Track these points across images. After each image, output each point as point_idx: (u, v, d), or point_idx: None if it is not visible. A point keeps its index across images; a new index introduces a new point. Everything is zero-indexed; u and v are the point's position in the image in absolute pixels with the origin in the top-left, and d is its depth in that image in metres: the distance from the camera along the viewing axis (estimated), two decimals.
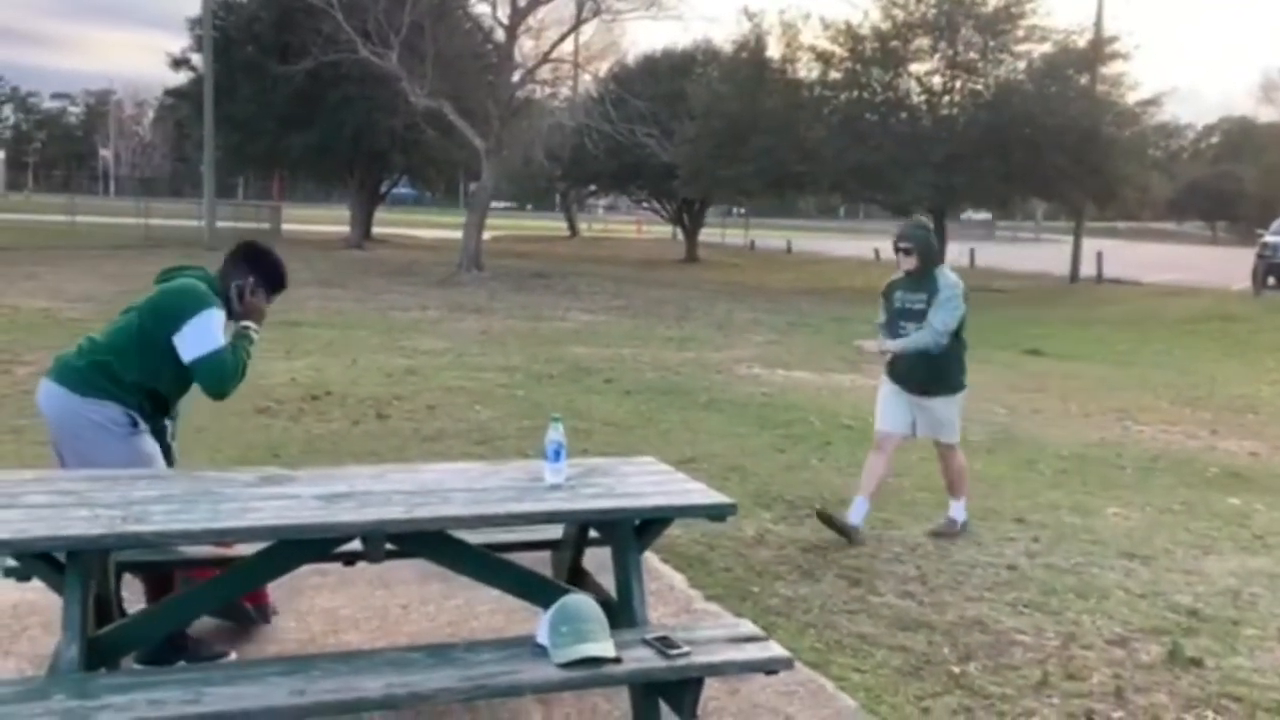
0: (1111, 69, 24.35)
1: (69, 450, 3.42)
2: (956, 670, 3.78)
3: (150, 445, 3.45)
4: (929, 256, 5.24)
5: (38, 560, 2.75)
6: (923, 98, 24.78)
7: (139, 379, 3.39)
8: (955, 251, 28.36)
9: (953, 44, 23.74)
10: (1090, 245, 29.96)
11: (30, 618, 3.82)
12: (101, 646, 2.85)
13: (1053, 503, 6.12)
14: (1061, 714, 3.50)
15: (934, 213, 25.27)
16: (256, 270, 3.58)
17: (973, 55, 23.98)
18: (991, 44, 23.80)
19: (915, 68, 24.56)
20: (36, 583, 3.13)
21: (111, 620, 3.12)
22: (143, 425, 3.44)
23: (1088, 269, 28.63)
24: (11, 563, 3.04)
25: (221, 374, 3.39)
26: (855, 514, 5.20)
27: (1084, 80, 23.95)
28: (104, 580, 3.13)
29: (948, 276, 5.22)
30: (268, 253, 3.67)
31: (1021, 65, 24.08)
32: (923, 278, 5.20)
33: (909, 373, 5.31)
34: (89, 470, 3.20)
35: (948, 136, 23.00)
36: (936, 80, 24.55)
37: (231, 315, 3.54)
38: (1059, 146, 22.00)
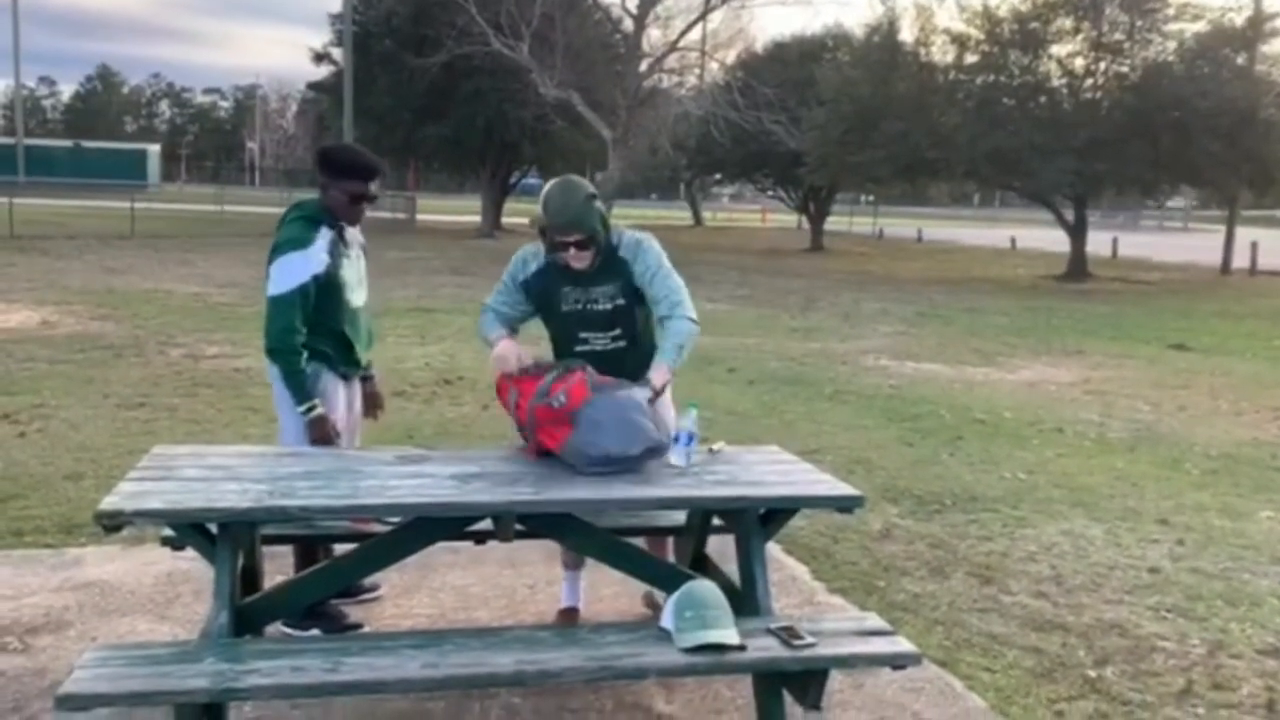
0: (1273, 47, 23.04)
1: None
2: (1093, 674, 3.65)
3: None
4: (603, 237, 3.45)
5: (191, 530, 2.90)
6: (1064, 81, 23.85)
7: (315, 327, 3.57)
8: (1098, 241, 27.27)
9: (1097, 24, 22.76)
10: (1244, 235, 28.40)
11: (183, 585, 4.05)
12: (248, 614, 2.99)
13: (1199, 504, 5.83)
14: None
15: (1076, 200, 24.38)
16: (326, 172, 3.63)
17: (1118, 36, 22.95)
18: (1139, 24, 22.73)
19: (1056, 50, 23.67)
20: (188, 552, 3.31)
21: (257, 589, 3.28)
22: (331, 390, 3.62)
23: (1241, 260, 27.17)
24: (168, 532, 3.23)
25: (279, 316, 3.47)
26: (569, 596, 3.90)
27: (1241, 60, 22.65)
28: (251, 551, 3.29)
29: (628, 236, 3.53)
30: (329, 150, 3.73)
31: (1171, 45, 22.91)
32: (603, 265, 3.49)
33: (617, 372, 3.38)
34: (238, 447, 3.36)
35: (1090, 121, 22.07)
36: (1079, 62, 23.60)
37: (336, 221, 3.63)
38: (1212, 130, 20.86)
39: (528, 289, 3.57)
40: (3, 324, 10.44)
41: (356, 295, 3.72)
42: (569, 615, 3.83)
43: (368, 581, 3.97)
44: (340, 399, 3.70)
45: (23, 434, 6.18)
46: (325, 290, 3.55)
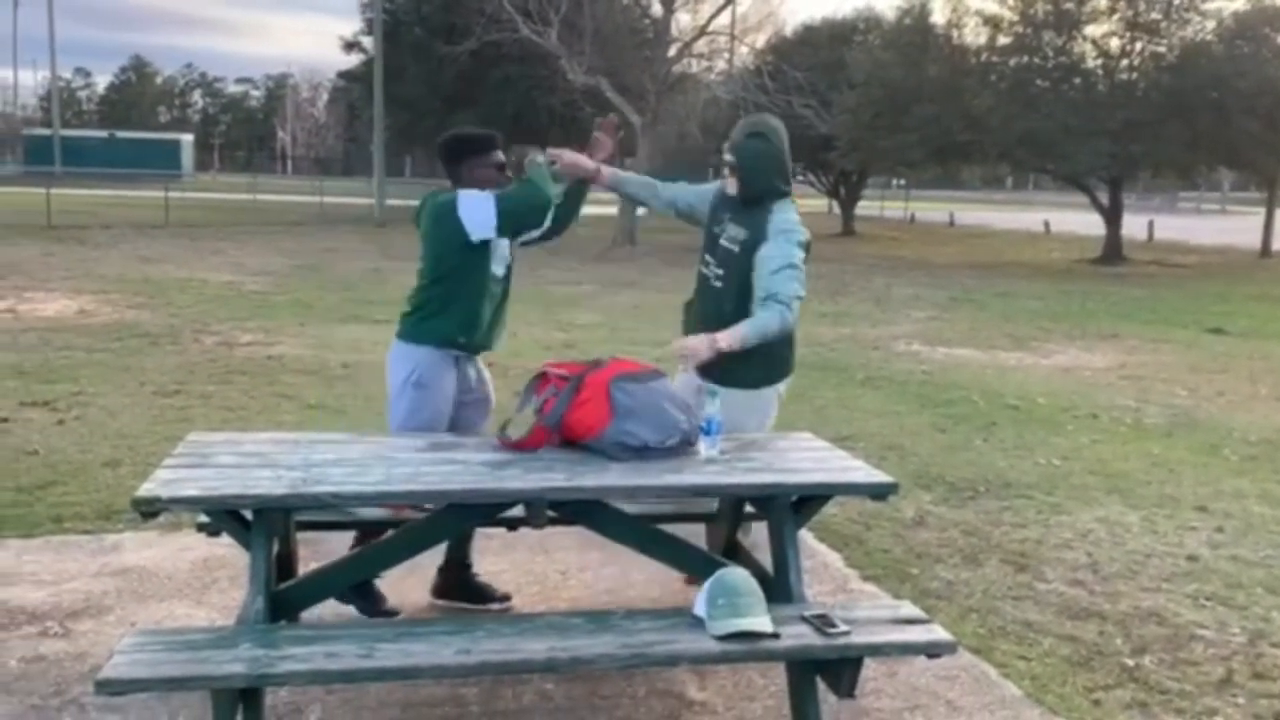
0: None
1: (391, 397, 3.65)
2: (1130, 663, 3.61)
3: (429, 407, 3.59)
4: (760, 181, 3.68)
5: (227, 516, 2.92)
6: (1099, 62, 23.52)
7: (448, 298, 3.57)
8: (1133, 224, 26.91)
9: (1133, 3, 22.39)
10: None
11: (219, 571, 4.09)
12: (283, 600, 3.01)
13: (1239, 491, 5.75)
14: (1247, 714, 3.29)
15: (1111, 183, 24.05)
16: (459, 155, 3.65)
17: (1155, 15, 22.58)
18: (1177, 2, 22.35)
19: (1091, 30, 23.35)
20: (224, 538, 3.34)
21: (292, 576, 3.30)
22: (441, 373, 3.60)
23: None
24: (204, 518, 3.26)
25: (521, 202, 3.47)
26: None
27: None
28: (285, 538, 3.31)
29: (787, 218, 3.66)
30: (462, 135, 3.74)
31: (1210, 24, 22.54)
32: (752, 207, 3.70)
33: (714, 306, 3.79)
34: (272, 433, 3.38)
35: (1126, 102, 21.75)
36: (1114, 43, 23.26)
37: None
38: (1251, 111, 20.51)
39: (709, 197, 3.91)
40: (41, 313, 10.58)
41: (499, 267, 3.70)
42: None
43: (500, 592, 3.93)
44: (449, 382, 3.66)
45: (61, 421, 6.27)
46: (475, 252, 3.52)
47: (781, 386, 3.83)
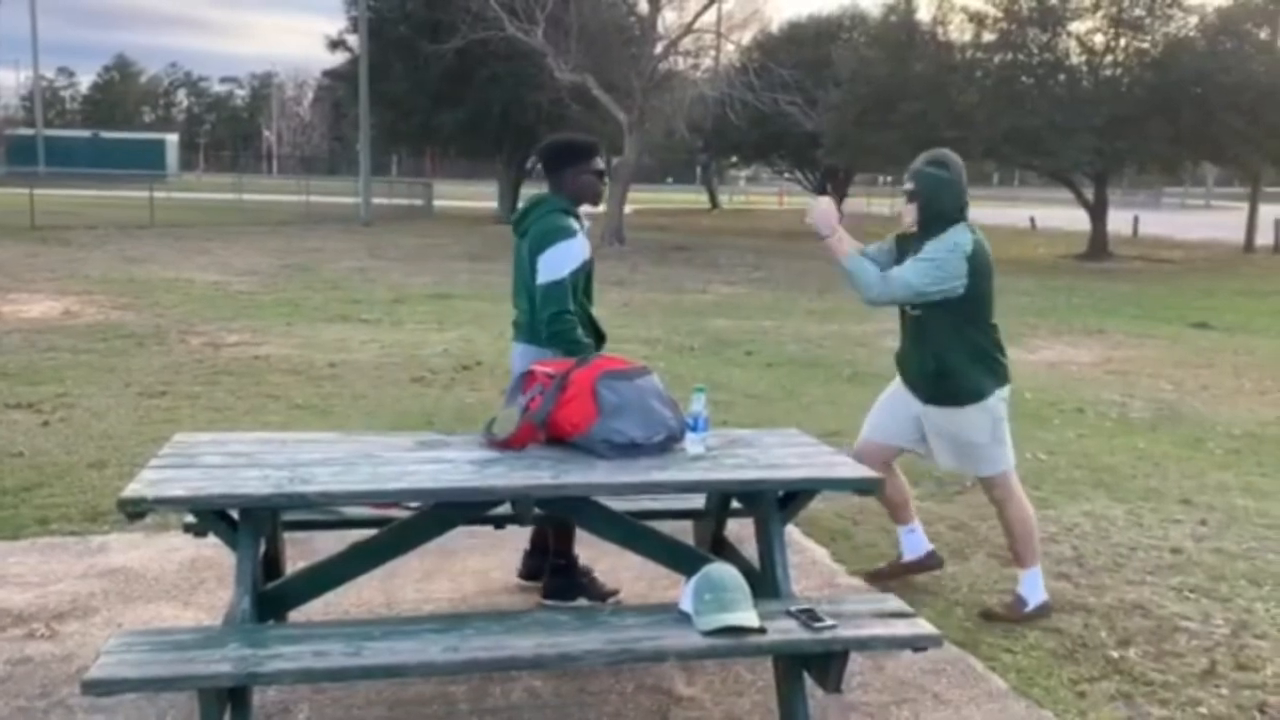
0: None
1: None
2: (1115, 655, 3.63)
3: None
4: (936, 206, 3.77)
5: (214, 517, 2.92)
6: (1083, 58, 23.63)
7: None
8: (1119, 220, 27.04)
9: (1117, 0, 22.51)
10: (1267, 212, 28.11)
11: (206, 571, 4.08)
12: (270, 600, 3.01)
13: (1223, 484, 5.79)
14: (1230, 705, 3.32)
15: (1096, 179, 24.16)
16: (562, 162, 3.74)
17: (1139, 11, 22.71)
18: None
19: (1075, 27, 23.47)
20: (211, 539, 3.33)
21: (279, 576, 3.30)
22: None
23: (1264, 237, 26.90)
24: (190, 519, 3.25)
25: (556, 301, 3.56)
26: (911, 547, 4.25)
27: (1264, 34, 22.40)
28: (272, 538, 3.31)
29: (952, 238, 3.73)
30: (569, 141, 3.83)
31: (1193, 20, 22.69)
32: (927, 238, 3.78)
33: (904, 366, 4.04)
34: (259, 433, 3.38)
35: (1110, 98, 21.86)
36: (1098, 39, 23.38)
37: (576, 206, 3.76)
38: (1234, 106, 20.64)
39: (890, 258, 3.95)
40: (26, 314, 10.53)
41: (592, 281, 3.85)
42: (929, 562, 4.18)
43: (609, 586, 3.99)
44: None
45: (46, 423, 6.24)
46: (580, 277, 3.67)
47: (1004, 392, 3.98)
